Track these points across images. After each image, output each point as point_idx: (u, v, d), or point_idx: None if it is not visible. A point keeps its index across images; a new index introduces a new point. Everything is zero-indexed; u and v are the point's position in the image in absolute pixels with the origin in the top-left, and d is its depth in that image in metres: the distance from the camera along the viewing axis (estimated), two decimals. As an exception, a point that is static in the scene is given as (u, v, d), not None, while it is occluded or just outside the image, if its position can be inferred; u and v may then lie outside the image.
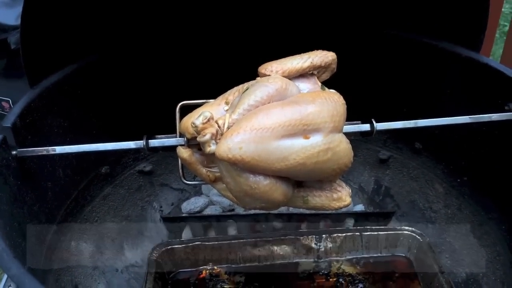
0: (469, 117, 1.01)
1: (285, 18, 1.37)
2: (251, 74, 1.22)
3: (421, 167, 1.48)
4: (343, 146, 0.89)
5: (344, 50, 1.39)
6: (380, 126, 0.99)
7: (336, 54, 1.38)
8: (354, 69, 1.40)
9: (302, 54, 0.94)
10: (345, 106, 0.90)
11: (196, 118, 0.84)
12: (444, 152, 1.40)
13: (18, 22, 1.89)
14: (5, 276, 1.13)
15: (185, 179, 0.99)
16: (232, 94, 0.93)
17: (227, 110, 0.90)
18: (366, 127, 0.98)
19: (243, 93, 0.88)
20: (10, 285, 1.09)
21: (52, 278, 1.11)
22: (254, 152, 0.81)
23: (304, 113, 0.84)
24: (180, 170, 0.98)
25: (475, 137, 1.25)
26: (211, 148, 0.84)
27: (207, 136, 0.83)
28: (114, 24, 1.25)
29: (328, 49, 1.37)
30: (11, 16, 1.94)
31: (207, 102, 0.97)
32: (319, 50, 0.97)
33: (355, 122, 1.00)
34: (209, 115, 0.84)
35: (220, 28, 1.38)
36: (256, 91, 0.87)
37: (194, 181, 1.04)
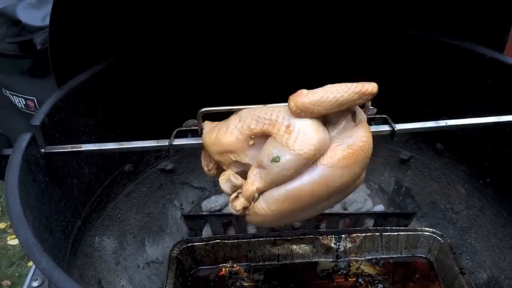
0: (496, 117, 1.00)
1: (306, 19, 1.37)
2: (270, 74, 1.24)
3: (442, 168, 1.46)
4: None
5: (366, 49, 1.40)
6: (402, 126, 0.99)
7: (358, 54, 1.39)
8: (376, 69, 1.39)
9: (337, 84, 0.89)
10: (371, 149, 0.93)
11: (223, 182, 0.94)
12: (466, 153, 1.39)
13: (44, 23, 1.94)
14: (32, 270, 1.17)
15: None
16: (258, 128, 0.91)
17: (254, 171, 0.92)
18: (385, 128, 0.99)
19: (272, 161, 0.89)
20: (36, 279, 1.12)
21: (77, 272, 1.14)
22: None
23: (331, 191, 0.91)
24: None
25: (498, 138, 1.24)
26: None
27: (239, 208, 0.94)
28: (140, 26, 1.27)
29: (355, 50, 1.39)
30: (37, 17, 1.98)
31: (228, 109, 0.98)
32: (358, 83, 0.89)
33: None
34: (237, 183, 0.93)
35: (238, 31, 1.38)
36: (286, 165, 0.88)
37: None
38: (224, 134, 0.92)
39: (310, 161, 0.88)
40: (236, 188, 0.94)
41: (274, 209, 0.92)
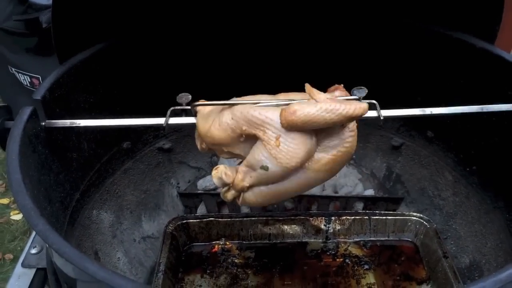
0: (477, 107, 1.03)
1: (301, 8, 1.39)
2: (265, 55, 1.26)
3: (432, 155, 1.50)
4: None
5: (361, 39, 1.43)
6: (388, 112, 1.02)
7: (353, 43, 1.42)
8: (370, 57, 1.43)
9: (329, 103, 0.91)
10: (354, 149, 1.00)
11: (216, 178, 1.01)
12: (455, 141, 1.42)
13: (50, 1, 1.97)
14: (31, 238, 1.23)
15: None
16: (249, 131, 0.96)
17: (244, 169, 1.00)
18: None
19: (260, 168, 0.96)
20: (35, 246, 1.18)
21: (74, 242, 1.18)
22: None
23: (313, 186, 1.03)
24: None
25: (485, 127, 1.27)
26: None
27: (230, 199, 1.04)
28: (140, 7, 1.30)
29: (347, 39, 1.41)
30: (44, -5, 2.01)
31: (221, 103, 1.01)
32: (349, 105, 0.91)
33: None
34: (228, 182, 1.00)
35: (233, 12, 1.41)
36: (273, 174, 0.96)
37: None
38: (216, 129, 0.97)
39: (296, 170, 0.96)
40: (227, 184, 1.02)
41: (261, 200, 1.02)
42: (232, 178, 1.01)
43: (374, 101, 1.02)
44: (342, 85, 0.98)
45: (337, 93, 0.97)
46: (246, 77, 1.14)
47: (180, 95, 0.98)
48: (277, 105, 0.94)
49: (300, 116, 0.89)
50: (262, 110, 0.93)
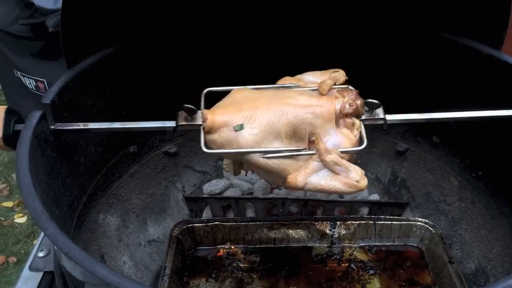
0: (483, 112, 1.04)
1: (308, 10, 1.40)
2: (274, 63, 1.27)
3: (437, 160, 1.50)
4: None
5: (367, 43, 1.43)
6: (392, 117, 1.03)
7: (360, 47, 1.42)
8: (376, 62, 1.43)
9: (333, 184, 1.01)
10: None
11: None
12: (460, 146, 1.42)
13: (57, 6, 1.98)
14: (38, 241, 1.23)
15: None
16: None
17: None
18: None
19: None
20: (42, 249, 1.18)
21: (81, 246, 1.18)
22: None
23: None
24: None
25: (490, 133, 1.27)
26: None
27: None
28: (148, 12, 1.31)
29: (353, 44, 1.42)
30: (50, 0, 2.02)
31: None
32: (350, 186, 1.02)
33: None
34: None
35: (238, 15, 1.41)
36: None
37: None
38: (225, 165, 1.17)
39: None
40: None
41: None
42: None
43: (383, 117, 1.04)
44: (357, 91, 1.00)
45: (347, 109, 1.01)
46: (254, 81, 1.14)
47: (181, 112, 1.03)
48: (285, 156, 1.02)
49: (301, 187, 1.02)
50: (270, 162, 1.02)
